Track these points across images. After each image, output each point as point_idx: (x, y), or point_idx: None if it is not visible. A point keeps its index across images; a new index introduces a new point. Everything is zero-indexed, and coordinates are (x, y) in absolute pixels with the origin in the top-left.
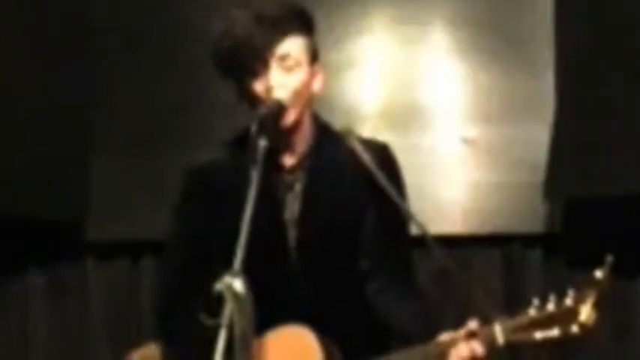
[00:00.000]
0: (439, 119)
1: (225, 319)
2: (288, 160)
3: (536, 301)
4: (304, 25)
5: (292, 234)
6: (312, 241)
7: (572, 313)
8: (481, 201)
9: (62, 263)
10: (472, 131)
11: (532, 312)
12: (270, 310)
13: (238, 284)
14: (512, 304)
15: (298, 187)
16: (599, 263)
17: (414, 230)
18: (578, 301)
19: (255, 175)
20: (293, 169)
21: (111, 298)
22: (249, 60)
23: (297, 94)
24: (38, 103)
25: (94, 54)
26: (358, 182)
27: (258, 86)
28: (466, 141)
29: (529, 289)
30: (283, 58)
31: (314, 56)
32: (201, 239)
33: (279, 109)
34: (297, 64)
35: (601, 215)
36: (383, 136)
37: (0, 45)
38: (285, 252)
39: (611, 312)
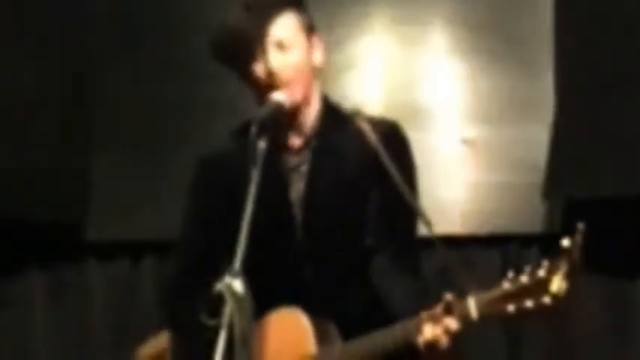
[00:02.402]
0: (439, 119)
1: (225, 319)
2: (295, 141)
3: (510, 274)
4: (294, 2)
5: (298, 213)
6: (317, 221)
7: (545, 284)
8: (481, 201)
9: (62, 263)
10: (472, 131)
11: (505, 285)
12: (276, 289)
13: (238, 284)
14: None
15: (304, 167)
16: (598, 263)
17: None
18: (550, 271)
19: (255, 176)
20: (299, 150)
21: (111, 298)
22: (245, 46)
23: (298, 71)
24: (38, 103)
25: (94, 53)
26: (364, 162)
27: (259, 70)
28: (466, 141)
29: None
30: (278, 41)
31: (310, 30)
32: (212, 228)
33: (279, 110)
34: (293, 42)
35: (601, 215)
36: None
37: (0, 45)
38: (291, 231)
39: (611, 312)
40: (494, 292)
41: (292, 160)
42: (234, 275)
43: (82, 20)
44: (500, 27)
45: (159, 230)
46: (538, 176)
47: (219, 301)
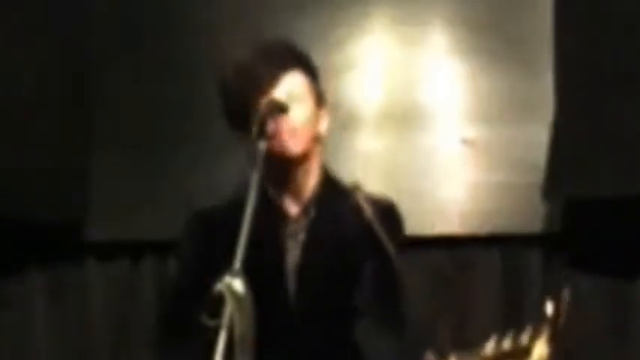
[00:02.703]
0: (439, 120)
1: (225, 319)
2: (293, 209)
3: (494, 337)
4: (306, 64)
5: (292, 281)
6: (311, 289)
7: (526, 351)
8: (481, 201)
9: (62, 263)
10: (472, 132)
11: (488, 349)
12: (266, 352)
13: (238, 284)
14: (512, 305)
15: (301, 236)
16: (598, 263)
17: (413, 233)
18: (533, 338)
19: (255, 178)
20: (297, 218)
21: (111, 299)
22: (252, 93)
23: (302, 124)
24: (38, 103)
25: (94, 54)
26: (360, 236)
27: (263, 101)
28: (466, 141)
29: (529, 290)
30: (289, 89)
31: (319, 98)
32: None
33: (279, 109)
34: (302, 99)
35: (600, 215)
36: (383, 136)
37: (0, 44)
38: (284, 297)
39: (611, 312)
40: (475, 357)
41: (289, 228)
42: (235, 275)
43: (82, 20)
44: (500, 27)
45: (159, 230)
46: (538, 176)
47: (219, 301)
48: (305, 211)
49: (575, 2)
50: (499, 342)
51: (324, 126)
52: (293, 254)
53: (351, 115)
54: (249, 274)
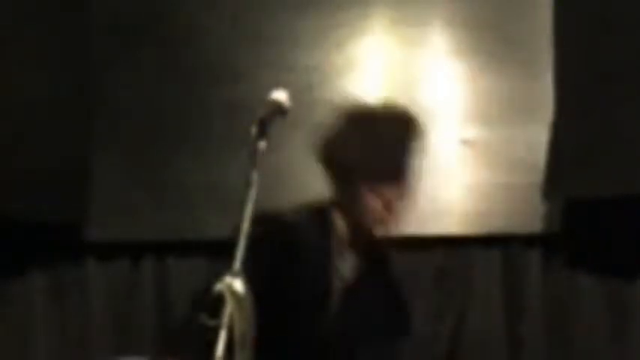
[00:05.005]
0: (439, 120)
1: (225, 319)
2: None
3: None
4: None
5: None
6: (350, 317)
7: None
8: (481, 201)
9: (62, 264)
10: (471, 132)
11: None
12: None
13: (238, 284)
14: (512, 305)
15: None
16: (598, 263)
17: (413, 233)
18: None
19: (255, 177)
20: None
21: (111, 299)
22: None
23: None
24: (39, 104)
25: (94, 54)
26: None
27: None
28: (465, 142)
29: (529, 290)
30: None
31: None
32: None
33: (279, 110)
34: None
35: (600, 215)
36: None
37: (0, 45)
38: (325, 318)
39: (611, 312)
40: None
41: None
42: (235, 275)
43: (82, 21)
44: (500, 27)
45: (159, 230)
46: (538, 176)
47: (219, 301)
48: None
49: (575, 2)
50: None
51: None
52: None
53: None
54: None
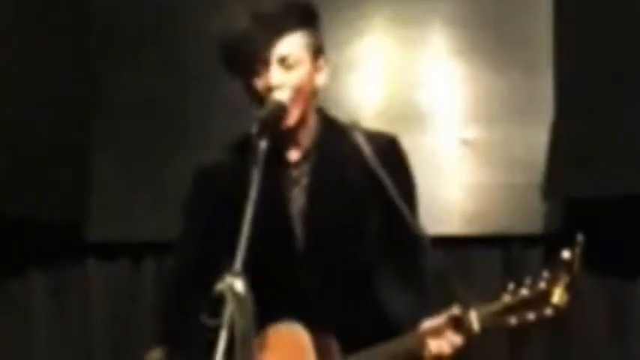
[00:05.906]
0: (438, 120)
1: (225, 319)
2: (294, 155)
3: (511, 286)
4: (305, 20)
5: (299, 228)
6: (318, 235)
7: (546, 296)
8: (480, 202)
9: (63, 263)
10: (471, 132)
11: (507, 298)
12: (277, 304)
13: (239, 284)
14: None
15: (304, 181)
16: (598, 263)
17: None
18: (551, 283)
19: (255, 177)
20: (298, 164)
21: (111, 299)
22: (249, 60)
23: (298, 91)
24: (38, 103)
25: (94, 54)
26: (363, 176)
27: (260, 84)
28: (465, 142)
29: None
30: (282, 57)
31: (318, 50)
32: (209, 238)
33: (280, 110)
34: (298, 62)
35: (600, 215)
36: None
37: (0, 45)
38: (291, 244)
39: (611, 312)
40: (496, 306)
41: (292, 174)
42: (235, 275)
43: (82, 20)
44: (499, 27)
45: (159, 231)
46: (538, 176)
47: (219, 301)
48: (306, 155)
49: (575, 2)
50: (517, 290)
51: (321, 79)
52: (297, 200)
53: (351, 116)
54: (257, 227)
